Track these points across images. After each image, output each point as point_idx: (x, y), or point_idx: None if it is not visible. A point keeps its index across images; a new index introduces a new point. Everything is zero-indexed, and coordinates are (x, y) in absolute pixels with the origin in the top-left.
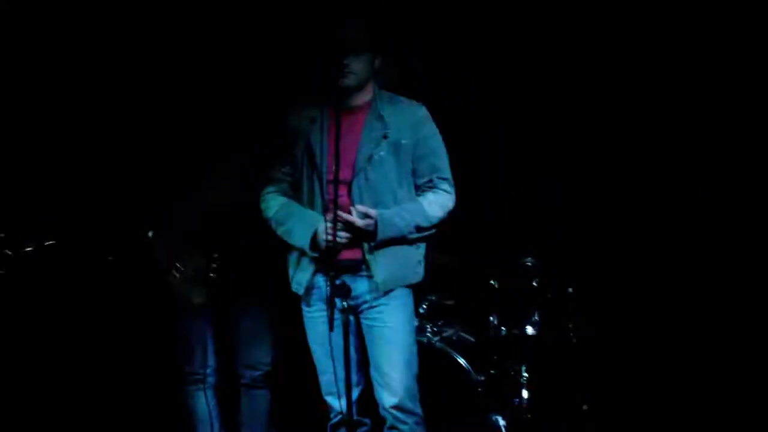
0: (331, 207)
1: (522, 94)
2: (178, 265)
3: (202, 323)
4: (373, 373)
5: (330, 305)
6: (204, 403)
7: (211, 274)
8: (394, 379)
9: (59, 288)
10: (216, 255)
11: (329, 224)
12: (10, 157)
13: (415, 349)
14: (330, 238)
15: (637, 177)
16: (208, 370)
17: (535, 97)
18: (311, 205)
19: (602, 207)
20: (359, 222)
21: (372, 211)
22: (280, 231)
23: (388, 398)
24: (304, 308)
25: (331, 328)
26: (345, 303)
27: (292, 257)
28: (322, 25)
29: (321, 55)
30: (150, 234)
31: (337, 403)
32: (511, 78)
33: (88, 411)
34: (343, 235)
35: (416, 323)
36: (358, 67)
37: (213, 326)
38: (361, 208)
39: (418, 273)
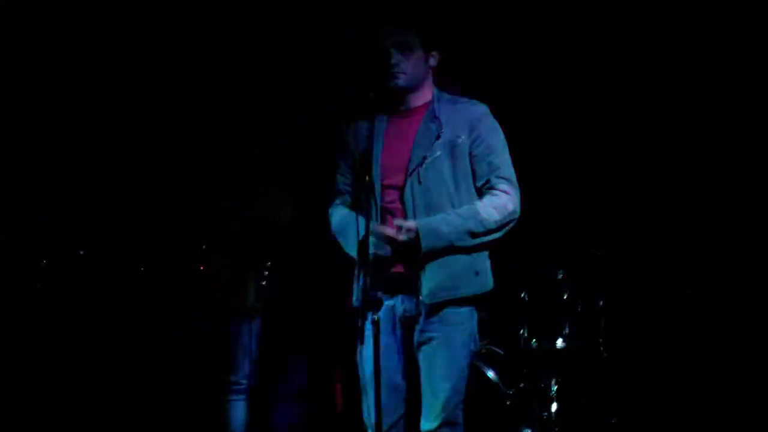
0: (385, 215)
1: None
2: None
3: (248, 333)
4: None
5: (361, 318)
6: (242, 413)
7: (263, 283)
8: (436, 406)
9: (104, 296)
10: (267, 266)
11: (376, 231)
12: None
13: (464, 376)
14: (372, 250)
15: (664, 188)
16: (248, 381)
17: (540, 104)
18: (368, 214)
19: (633, 221)
20: (399, 237)
21: (410, 224)
22: (341, 242)
23: (425, 423)
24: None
25: (361, 342)
26: (376, 316)
27: (356, 272)
28: (366, 28)
29: (370, 59)
30: (204, 246)
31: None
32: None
33: (124, 418)
34: (384, 249)
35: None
36: (407, 66)
37: (257, 337)
38: (398, 222)
39: (474, 284)
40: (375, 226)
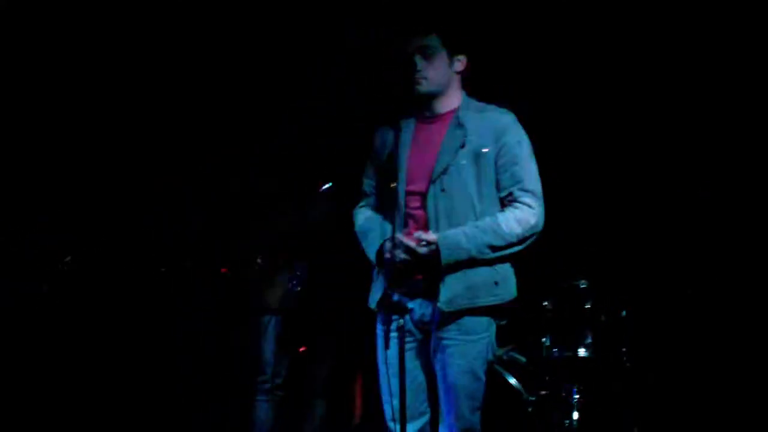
0: (408, 221)
1: (572, 119)
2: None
3: (275, 334)
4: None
5: (385, 323)
6: (266, 413)
7: (293, 285)
8: (452, 415)
9: (104, 296)
10: (299, 268)
11: (396, 240)
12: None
13: (481, 385)
14: (394, 257)
15: (694, 202)
16: (277, 381)
17: (583, 122)
18: (391, 219)
19: (655, 230)
20: (419, 250)
21: (431, 237)
22: (363, 245)
23: (443, 430)
24: (377, 326)
25: (386, 346)
26: (401, 320)
27: (375, 273)
28: (366, 28)
29: (395, 65)
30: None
31: (397, 429)
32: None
33: (124, 418)
34: (402, 257)
35: (492, 355)
36: (429, 72)
37: (284, 338)
38: (420, 234)
39: (494, 295)
40: (397, 236)
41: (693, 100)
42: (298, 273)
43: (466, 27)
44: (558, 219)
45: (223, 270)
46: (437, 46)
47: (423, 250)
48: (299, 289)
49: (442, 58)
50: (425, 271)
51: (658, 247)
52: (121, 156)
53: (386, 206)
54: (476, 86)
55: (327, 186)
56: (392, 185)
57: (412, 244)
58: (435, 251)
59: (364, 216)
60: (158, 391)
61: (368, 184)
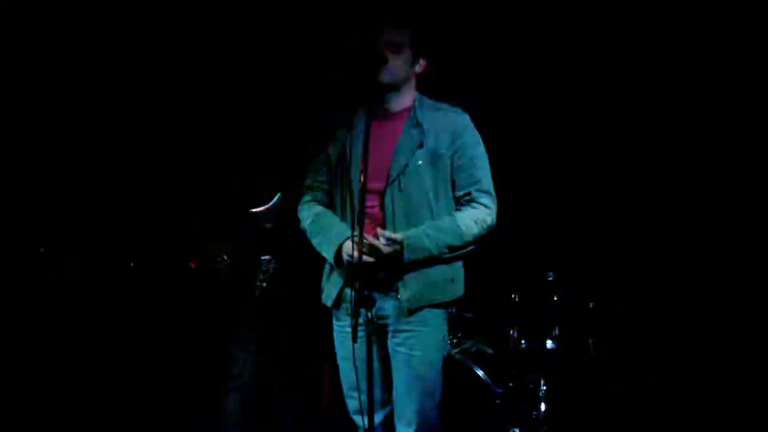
0: (363, 219)
1: (528, 103)
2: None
3: (248, 328)
4: (393, 398)
5: (354, 315)
6: (238, 406)
7: (261, 280)
8: (412, 409)
9: (104, 296)
10: (270, 260)
11: (357, 242)
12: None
13: (440, 378)
14: (352, 258)
15: (660, 190)
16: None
17: (541, 105)
18: (344, 216)
19: (623, 222)
20: (384, 249)
21: (398, 237)
22: (313, 242)
23: (403, 428)
24: (334, 322)
25: (354, 339)
26: (369, 314)
27: (326, 268)
28: (366, 28)
29: (359, 53)
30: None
31: (362, 422)
32: (523, 84)
33: (125, 417)
34: (366, 258)
35: (447, 351)
36: (395, 63)
37: (257, 330)
38: (387, 234)
39: (450, 291)
40: (366, 237)
41: (687, 96)
42: (265, 269)
43: (436, 31)
44: (525, 212)
45: (192, 264)
46: (406, 42)
47: (388, 249)
48: (265, 285)
49: (407, 54)
50: (385, 268)
51: (625, 239)
52: (121, 156)
53: (339, 204)
54: (438, 87)
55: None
56: (362, 180)
57: (377, 243)
58: (398, 251)
59: (314, 212)
60: (158, 391)
61: (315, 179)
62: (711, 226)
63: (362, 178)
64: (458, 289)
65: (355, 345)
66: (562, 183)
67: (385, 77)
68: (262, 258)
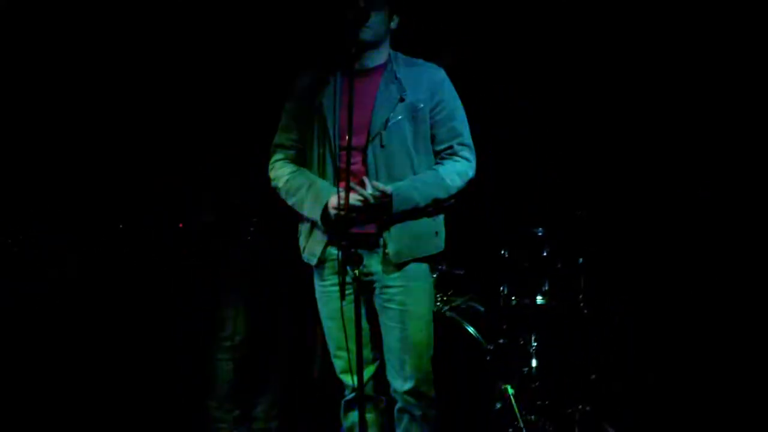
0: (343, 176)
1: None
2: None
3: (238, 292)
4: (386, 355)
5: (341, 273)
6: (228, 372)
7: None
8: (409, 364)
9: (104, 296)
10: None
11: (342, 196)
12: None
13: (431, 331)
14: (341, 212)
15: (650, 146)
16: (237, 338)
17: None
18: (323, 174)
19: (612, 177)
20: (372, 200)
21: (388, 189)
22: (290, 201)
23: (400, 384)
24: (317, 281)
25: (342, 297)
26: (356, 272)
27: (304, 227)
28: None
29: (337, 8)
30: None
31: (351, 380)
32: (520, 67)
33: (124, 417)
34: (354, 209)
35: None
36: (375, 21)
37: (247, 295)
38: (376, 184)
39: (434, 244)
40: (350, 185)
41: (687, 94)
42: (251, 229)
43: None
44: (515, 167)
45: (180, 225)
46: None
47: (376, 200)
48: (256, 245)
49: (385, 12)
50: (371, 221)
51: (613, 193)
52: (120, 155)
53: (316, 161)
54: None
55: None
56: (325, 139)
57: (365, 193)
58: (386, 203)
59: (287, 171)
60: (157, 391)
61: (286, 137)
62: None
63: (347, 136)
64: (441, 243)
65: (342, 303)
66: (552, 136)
67: (367, 35)
68: (248, 219)
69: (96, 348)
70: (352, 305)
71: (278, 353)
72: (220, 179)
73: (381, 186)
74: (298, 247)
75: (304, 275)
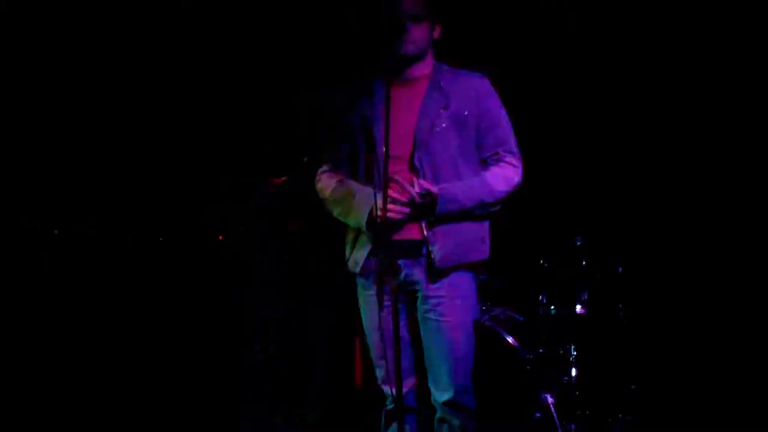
0: (390, 183)
1: (566, 79)
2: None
3: (267, 302)
4: (427, 365)
5: (379, 283)
6: (262, 380)
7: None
8: (448, 375)
9: (104, 296)
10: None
11: (387, 199)
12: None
13: (472, 342)
14: (386, 213)
15: (686, 156)
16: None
17: (579, 82)
18: (369, 183)
19: (651, 185)
20: (417, 197)
21: (434, 188)
22: (336, 212)
23: (440, 394)
24: (360, 291)
25: (380, 308)
26: (395, 282)
27: (349, 237)
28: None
29: (380, 25)
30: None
31: (391, 390)
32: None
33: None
34: (398, 209)
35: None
36: (418, 35)
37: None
38: (423, 183)
39: (480, 251)
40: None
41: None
42: (286, 240)
43: None
44: (554, 177)
45: (219, 237)
46: (425, 12)
47: (420, 199)
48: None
49: (427, 23)
50: (416, 219)
51: (653, 202)
52: (120, 153)
53: (363, 172)
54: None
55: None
56: (385, 150)
57: (411, 191)
58: (431, 203)
59: (334, 181)
60: (156, 390)
61: (334, 149)
62: (742, 197)
63: (384, 146)
64: (486, 249)
65: (382, 314)
66: (590, 147)
67: (410, 49)
68: (283, 229)
69: (95, 347)
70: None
71: (316, 364)
72: (251, 191)
73: (426, 184)
74: (336, 257)
75: (342, 285)
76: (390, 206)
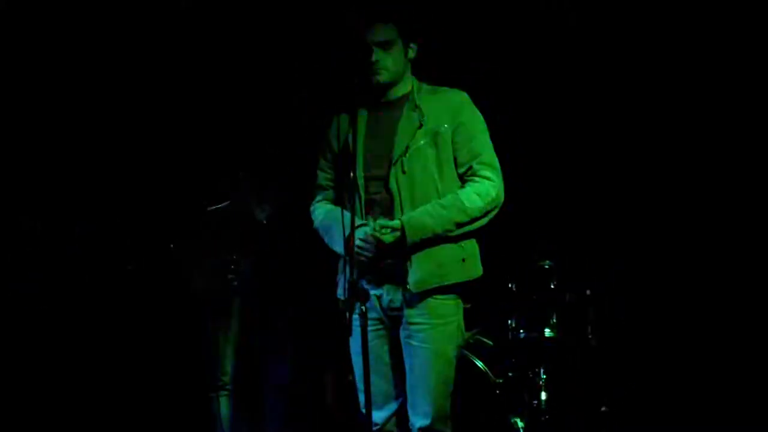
0: (371, 207)
1: (534, 101)
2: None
3: (228, 327)
4: (407, 388)
5: (348, 309)
6: (223, 408)
7: (231, 279)
8: (426, 401)
9: (103, 296)
10: (234, 259)
11: (367, 230)
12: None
13: (452, 369)
14: (356, 250)
15: (654, 180)
16: (226, 378)
17: (545, 105)
18: (352, 206)
19: (617, 210)
20: (384, 239)
21: (394, 223)
22: (326, 240)
23: (417, 419)
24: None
25: (349, 332)
26: (363, 307)
27: (341, 263)
28: (347, 28)
29: (350, 57)
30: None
31: (376, 416)
32: (522, 86)
33: (111, 415)
34: (368, 254)
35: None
36: (388, 62)
37: (232, 333)
38: (381, 222)
39: (461, 271)
40: (365, 233)
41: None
42: (239, 269)
43: (419, 14)
44: (522, 199)
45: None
46: (395, 37)
47: (389, 238)
48: (236, 284)
49: (399, 47)
50: (392, 255)
51: (621, 225)
52: (119, 155)
53: (346, 196)
54: (427, 68)
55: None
56: (351, 175)
57: (377, 234)
58: (401, 236)
59: (324, 210)
60: (154, 390)
61: (323, 177)
62: (710, 214)
63: (354, 168)
64: (474, 270)
65: (358, 339)
66: (559, 170)
67: (383, 76)
68: (241, 259)
69: (94, 348)
70: (378, 341)
71: (278, 388)
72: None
73: (386, 222)
74: (298, 284)
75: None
76: (357, 250)
